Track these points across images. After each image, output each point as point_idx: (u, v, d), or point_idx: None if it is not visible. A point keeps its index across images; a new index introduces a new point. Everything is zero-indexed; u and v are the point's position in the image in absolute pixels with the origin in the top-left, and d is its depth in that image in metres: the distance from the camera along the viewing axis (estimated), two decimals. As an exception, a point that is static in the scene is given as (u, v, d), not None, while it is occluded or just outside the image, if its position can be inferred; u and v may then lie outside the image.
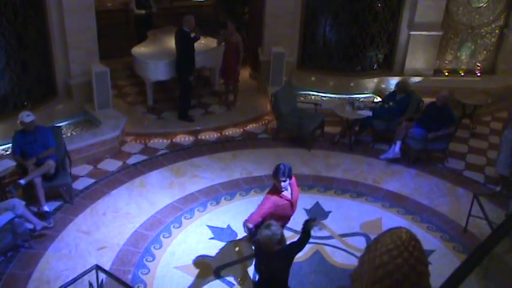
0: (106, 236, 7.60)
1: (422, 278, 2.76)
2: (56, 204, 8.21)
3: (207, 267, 7.09)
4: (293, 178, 6.50)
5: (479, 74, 12.00)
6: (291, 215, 6.57)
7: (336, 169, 9.42)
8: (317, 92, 11.67)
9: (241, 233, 7.57)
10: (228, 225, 7.83)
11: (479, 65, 12.01)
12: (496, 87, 11.67)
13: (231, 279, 6.98)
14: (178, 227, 7.84)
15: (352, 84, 11.68)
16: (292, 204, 6.48)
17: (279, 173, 6.23)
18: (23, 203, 7.21)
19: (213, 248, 7.45)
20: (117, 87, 11.93)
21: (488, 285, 4.12)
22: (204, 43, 11.26)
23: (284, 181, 6.25)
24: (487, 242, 3.45)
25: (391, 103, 10.13)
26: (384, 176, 9.27)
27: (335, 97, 11.51)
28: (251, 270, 7.06)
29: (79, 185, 8.73)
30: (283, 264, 5.58)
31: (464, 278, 3.17)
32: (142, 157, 9.63)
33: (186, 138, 10.30)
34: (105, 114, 10.07)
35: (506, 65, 11.89)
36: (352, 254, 7.38)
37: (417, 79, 11.61)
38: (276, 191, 6.36)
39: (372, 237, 7.67)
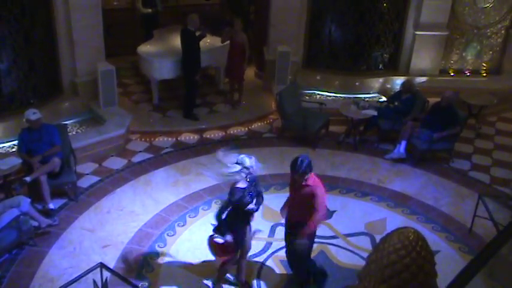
0: (110, 234, 7.61)
1: (429, 277, 2.76)
2: (60, 201, 8.22)
3: (211, 266, 7.08)
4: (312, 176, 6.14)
5: (485, 74, 11.98)
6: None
7: (341, 168, 9.41)
8: (322, 91, 11.67)
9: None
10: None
11: (484, 65, 11.99)
12: (501, 87, 11.64)
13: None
14: (183, 226, 7.84)
15: (357, 83, 11.67)
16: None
17: (294, 166, 6.02)
18: (28, 200, 7.21)
19: (217, 246, 7.44)
20: (123, 85, 11.97)
21: (494, 285, 4.12)
22: (209, 42, 11.27)
23: (294, 173, 6.04)
24: (493, 242, 3.45)
25: (396, 103, 10.12)
26: (388, 176, 9.26)
27: (340, 96, 11.51)
28: (255, 268, 7.07)
29: (84, 182, 8.75)
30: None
31: (471, 278, 3.17)
32: (147, 155, 9.64)
33: (191, 137, 10.31)
34: (110, 112, 10.10)
35: (512, 65, 11.88)
36: (357, 254, 7.37)
37: (422, 79, 11.60)
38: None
39: (377, 237, 7.69)
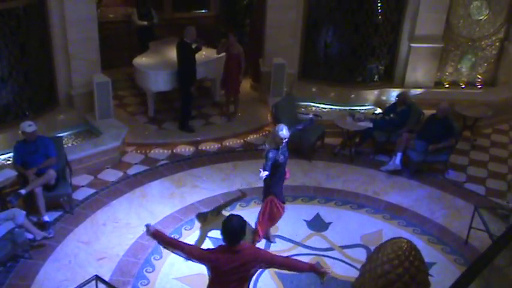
0: (106, 247, 7.58)
1: (422, 287, 2.77)
2: (56, 214, 8.18)
3: (206, 279, 7.04)
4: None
5: (480, 86, 12.03)
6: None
7: (337, 180, 9.41)
8: (318, 103, 11.70)
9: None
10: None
11: (479, 77, 12.04)
12: (496, 99, 11.69)
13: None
14: (179, 238, 7.80)
15: (352, 95, 11.71)
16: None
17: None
18: (24, 213, 7.18)
19: (213, 259, 7.41)
20: (119, 97, 11.97)
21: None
22: (205, 54, 11.30)
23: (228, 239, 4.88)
24: (487, 253, 3.45)
25: (391, 115, 10.15)
26: (384, 188, 9.26)
27: (336, 108, 11.54)
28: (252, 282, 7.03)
29: (79, 195, 8.72)
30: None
31: (465, 288, 3.16)
32: (143, 167, 9.63)
33: (187, 149, 10.31)
34: (106, 125, 10.09)
35: (507, 77, 11.92)
36: (353, 266, 7.34)
37: (418, 91, 11.64)
38: None
39: (373, 249, 7.66)
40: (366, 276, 2.84)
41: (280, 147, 7.05)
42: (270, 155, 6.93)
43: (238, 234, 4.79)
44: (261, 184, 9.01)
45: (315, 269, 5.10)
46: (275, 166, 7.06)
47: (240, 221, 4.84)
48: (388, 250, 2.82)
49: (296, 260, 5.44)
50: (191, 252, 5.00)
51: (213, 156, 10.11)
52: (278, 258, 5.14)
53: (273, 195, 7.32)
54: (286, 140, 7.04)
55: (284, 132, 6.97)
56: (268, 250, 6.32)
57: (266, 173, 6.79)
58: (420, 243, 7.73)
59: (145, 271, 7.16)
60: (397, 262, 2.75)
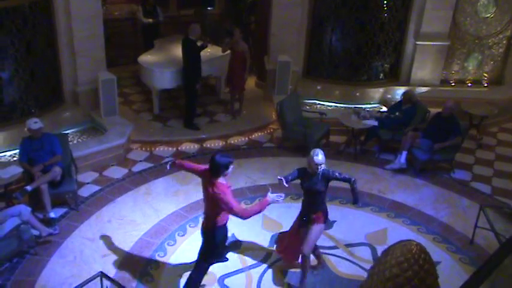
0: (111, 243, 7.60)
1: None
2: (61, 210, 8.22)
3: (211, 276, 7.06)
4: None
5: (486, 85, 11.99)
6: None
7: (341, 179, 9.38)
8: (323, 101, 11.69)
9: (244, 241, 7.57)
10: (233, 234, 7.78)
11: (486, 75, 12.00)
12: (503, 98, 11.65)
13: (235, 288, 6.96)
14: (183, 235, 7.83)
15: (357, 93, 11.69)
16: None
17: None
18: (29, 209, 7.22)
19: (217, 256, 7.42)
20: (124, 94, 11.99)
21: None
22: (210, 51, 11.30)
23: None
24: (495, 256, 3.44)
25: (397, 113, 10.11)
26: (389, 186, 9.24)
27: (341, 106, 11.53)
28: (255, 278, 7.04)
29: (84, 192, 8.75)
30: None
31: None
32: (148, 165, 9.64)
33: (192, 146, 10.31)
34: (111, 122, 10.11)
35: (514, 76, 11.88)
36: (357, 264, 7.35)
37: (423, 89, 11.61)
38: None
39: (378, 247, 7.68)
40: (374, 278, 2.81)
41: (317, 172, 6.55)
42: (295, 171, 6.72)
43: (220, 169, 6.02)
44: (264, 182, 9.08)
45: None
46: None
47: (227, 161, 6.04)
48: (397, 253, 2.78)
49: (250, 210, 6.15)
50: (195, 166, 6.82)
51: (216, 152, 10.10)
52: (234, 206, 5.97)
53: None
54: (322, 166, 6.55)
55: (319, 157, 6.52)
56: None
57: (282, 177, 6.57)
58: (425, 242, 7.70)
59: (150, 268, 7.17)
60: (406, 265, 2.72)
